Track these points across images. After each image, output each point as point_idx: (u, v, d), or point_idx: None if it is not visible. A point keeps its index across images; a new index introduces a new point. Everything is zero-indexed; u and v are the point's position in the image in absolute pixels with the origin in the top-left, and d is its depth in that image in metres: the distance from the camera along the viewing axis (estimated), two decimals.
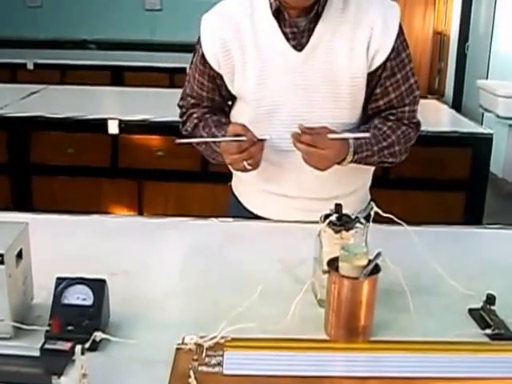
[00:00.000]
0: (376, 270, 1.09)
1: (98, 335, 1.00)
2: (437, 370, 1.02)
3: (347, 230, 1.18)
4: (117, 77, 5.22)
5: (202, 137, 1.66)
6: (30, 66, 5.34)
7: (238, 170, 1.55)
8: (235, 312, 1.09)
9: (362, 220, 1.20)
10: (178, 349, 1.02)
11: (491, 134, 3.13)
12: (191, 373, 0.96)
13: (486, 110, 5.25)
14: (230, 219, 1.70)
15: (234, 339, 1.05)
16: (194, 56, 1.68)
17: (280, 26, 1.54)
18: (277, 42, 1.55)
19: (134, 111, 3.28)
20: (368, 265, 1.09)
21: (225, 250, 1.49)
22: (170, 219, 1.69)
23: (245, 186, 1.78)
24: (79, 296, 1.05)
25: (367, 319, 1.10)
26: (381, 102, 1.60)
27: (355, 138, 1.54)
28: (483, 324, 1.16)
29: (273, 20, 1.54)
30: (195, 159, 3.09)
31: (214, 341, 1.03)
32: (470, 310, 1.21)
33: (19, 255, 1.08)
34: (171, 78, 5.28)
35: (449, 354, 1.07)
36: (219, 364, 0.99)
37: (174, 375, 0.96)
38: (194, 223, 1.67)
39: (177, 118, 3.13)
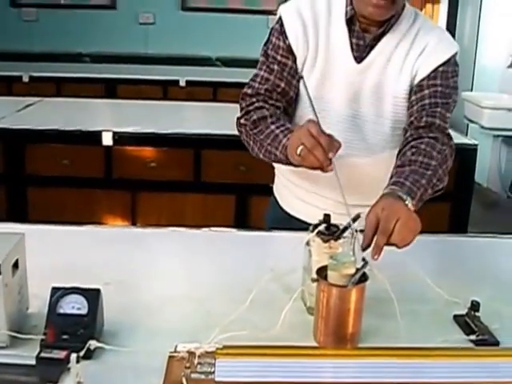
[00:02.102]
0: (364, 278, 1.12)
1: (93, 344, 1.03)
2: (423, 376, 1.05)
3: (336, 239, 1.22)
4: (111, 89, 5.25)
5: (267, 127, 1.57)
6: (26, 79, 5.36)
7: (308, 162, 1.37)
8: (227, 320, 1.12)
9: (350, 229, 1.23)
10: (170, 357, 1.04)
11: (476, 145, 3.20)
12: (184, 380, 0.98)
13: (471, 121, 5.36)
14: (222, 229, 1.72)
15: (225, 347, 1.07)
16: (266, 44, 1.67)
17: (349, 35, 1.61)
18: (343, 49, 1.61)
19: (127, 123, 3.31)
20: (356, 273, 1.12)
21: (217, 259, 1.51)
22: (162, 229, 1.72)
23: (284, 187, 1.82)
24: (74, 305, 1.07)
25: (355, 326, 1.13)
26: (415, 107, 1.60)
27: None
28: (468, 330, 1.19)
29: (345, 28, 1.61)
30: (187, 170, 3.14)
31: (206, 349, 1.06)
32: (455, 317, 1.24)
33: (15, 265, 1.10)
34: (164, 90, 5.32)
35: (434, 359, 1.09)
36: (211, 372, 1.01)
37: (166, 383, 0.98)
38: (186, 233, 1.70)
39: (169, 130, 3.18)
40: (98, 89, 5.21)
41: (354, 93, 1.63)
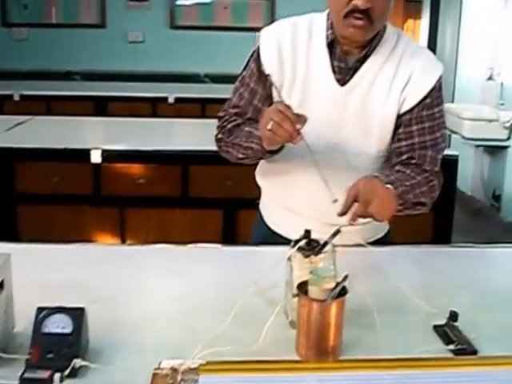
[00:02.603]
0: (343, 292, 1.15)
1: (78, 362, 1.05)
2: None
3: (316, 254, 1.24)
4: (101, 107, 5.28)
5: (242, 130, 1.67)
6: (17, 98, 5.39)
7: (278, 135, 1.46)
8: (210, 336, 1.14)
9: (330, 244, 1.26)
10: (154, 374, 1.06)
11: (457, 156, 3.27)
12: None
13: (453, 131, 5.45)
14: (208, 245, 1.74)
15: (208, 363, 1.09)
16: (245, 68, 1.72)
17: (331, 58, 1.63)
18: (324, 72, 1.64)
19: (116, 140, 3.35)
20: (335, 287, 1.14)
21: (202, 275, 1.53)
22: (148, 246, 1.74)
23: (268, 203, 1.85)
24: (59, 324, 1.09)
25: (336, 339, 1.15)
26: (403, 143, 1.65)
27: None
28: (447, 340, 1.21)
29: (326, 51, 1.63)
30: (175, 185, 3.17)
31: (190, 365, 1.07)
32: (435, 327, 1.26)
33: (1, 286, 1.12)
34: (153, 107, 5.36)
35: (414, 370, 1.11)
36: None
37: None
38: (172, 249, 1.72)
39: (157, 147, 3.21)
40: (88, 106, 5.24)
41: (338, 115, 1.65)
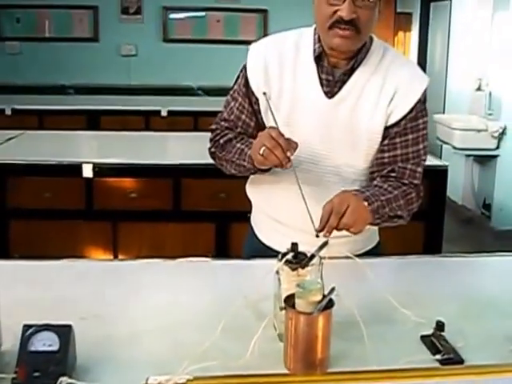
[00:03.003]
0: (330, 304, 1.15)
1: (64, 380, 1.04)
2: None
3: (303, 267, 1.25)
4: (93, 121, 5.30)
5: (234, 146, 1.72)
6: (9, 112, 5.40)
7: (269, 161, 1.52)
8: (198, 350, 1.14)
9: (317, 257, 1.27)
10: None
11: (446, 166, 3.32)
12: None
13: (444, 142, 5.51)
14: (198, 258, 1.75)
15: (196, 378, 1.09)
16: (235, 82, 1.76)
17: (318, 71, 1.65)
18: (312, 85, 1.66)
19: (108, 155, 3.36)
20: (322, 300, 1.15)
21: (193, 289, 1.53)
22: (139, 261, 1.74)
23: (258, 217, 1.87)
24: (45, 342, 1.09)
25: (324, 352, 1.16)
26: (386, 154, 1.67)
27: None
28: (434, 350, 1.22)
29: (313, 64, 1.65)
30: (167, 199, 3.18)
31: (177, 380, 1.08)
32: (422, 337, 1.27)
33: None
34: (146, 120, 5.38)
35: (401, 380, 1.12)
36: None
37: None
38: (162, 264, 1.72)
39: (149, 161, 3.22)
40: (81, 120, 5.26)
41: (326, 128, 1.66)
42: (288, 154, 1.50)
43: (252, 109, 1.71)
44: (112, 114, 5.32)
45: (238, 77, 1.75)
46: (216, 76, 6.27)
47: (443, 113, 6.24)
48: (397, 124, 1.65)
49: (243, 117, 1.73)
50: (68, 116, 5.26)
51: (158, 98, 6.00)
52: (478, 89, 5.53)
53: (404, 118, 1.65)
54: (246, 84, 1.70)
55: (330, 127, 1.66)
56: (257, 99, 1.69)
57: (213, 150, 1.80)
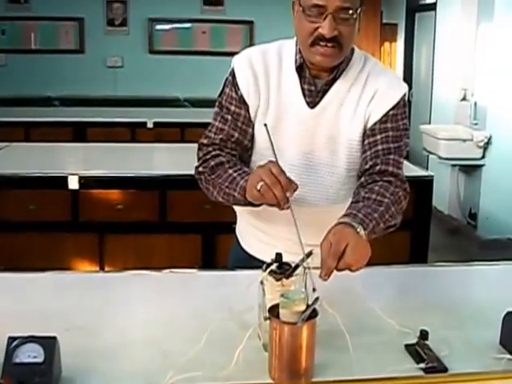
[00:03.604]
0: (314, 314, 1.16)
1: None
2: None
3: (287, 277, 1.26)
4: (80, 132, 5.29)
5: (225, 172, 1.63)
6: None
7: (266, 198, 1.43)
8: (183, 360, 1.15)
9: (302, 267, 1.28)
10: None
11: (432, 176, 3.35)
12: None
13: (430, 152, 5.55)
14: (184, 270, 1.75)
15: None
16: (222, 94, 1.72)
17: (300, 82, 1.66)
18: (295, 95, 1.67)
19: (94, 166, 3.37)
20: (306, 310, 1.16)
21: (178, 301, 1.53)
22: (124, 273, 1.74)
23: (243, 227, 1.86)
24: (30, 354, 1.09)
25: (308, 361, 1.16)
26: (368, 152, 1.67)
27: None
28: (418, 358, 1.23)
29: (295, 75, 1.66)
30: (153, 211, 3.17)
31: None
32: (406, 346, 1.28)
33: None
34: (133, 132, 5.38)
35: None
36: None
37: None
38: (148, 275, 1.72)
39: (134, 173, 3.22)
40: (68, 132, 5.25)
41: (309, 137, 1.68)
42: (287, 194, 1.40)
43: (248, 115, 1.70)
44: (98, 126, 5.32)
45: (224, 89, 1.74)
46: (202, 87, 6.29)
47: (429, 123, 6.29)
48: (375, 124, 1.66)
49: (239, 123, 1.70)
50: (54, 128, 5.24)
51: (145, 109, 6.01)
52: (463, 99, 5.58)
53: (383, 117, 1.65)
54: (236, 93, 1.69)
55: (313, 136, 1.68)
56: (248, 106, 1.69)
57: (201, 169, 1.72)
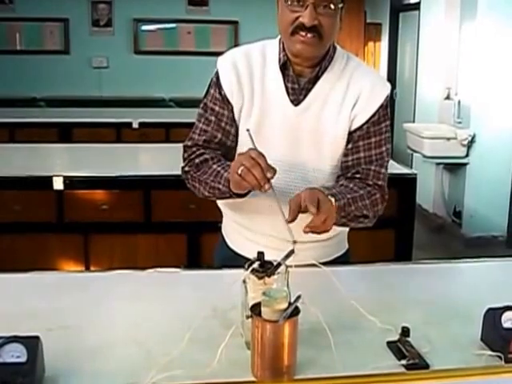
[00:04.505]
0: (296, 312, 1.17)
1: None
2: None
3: (269, 275, 1.26)
4: (66, 133, 5.27)
5: (210, 167, 1.68)
6: None
7: (247, 181, 1.46)
8: (165, 360, 1.15)
9: (284, 265, 1.28)
10: None
11: (415, 174, 3.39)
12: None
13: (414, 151, 5.59)
14: (168, 269, 1.75)
15: None
16: (207, 95, 1.75)
17: (284, 80, 1.68)
18: (279, 94, 1.69)
19: (79, 167, 3.37)
20: (288, 308, 1.16)
21: (161, 300, 1.54)
22: (108, 273, 1.74)
23: (229, 226, 1.87)
24: (13, 354, 1.09)
25: (290, 359, 1.17)
26: (349, 158, 1.72)
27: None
28: (400, 355, 1.24)
29: (279, 73, 1.69)
30: (138, 211, 3.17)
31: None
32: (388, 343, 1.29)
33: None
34: (118, 132, 5.37)
35: None
36: None
37: None
38: (132, 275, 1.72)
39: (119, 173, 3.21)
40: (53, 133, 5.23)
41: (294, 134, 1.70)
42: (268, 174, 1.43)
43: (231, 116, 1.72)
44: (83, 127, 5.30)
45: (208, 90, 1.76)
46: (187, 87, 6.29)
47: (413, 122, 6.33)
48: (360, 128, 1.70)
49: (222, 124, 1.73)
50: (39, 129, 5.21)
51: (130, 109, 6.00)
52: (447, 97, 5.62)
53: (367, 122, 1.69)
54: (220, 93, 1.71)
55: (297, 133, 1.70)
56: (232, 106, 1.71)
57: (187, 168, 1.76)
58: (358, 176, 1.71)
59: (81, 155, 3.91)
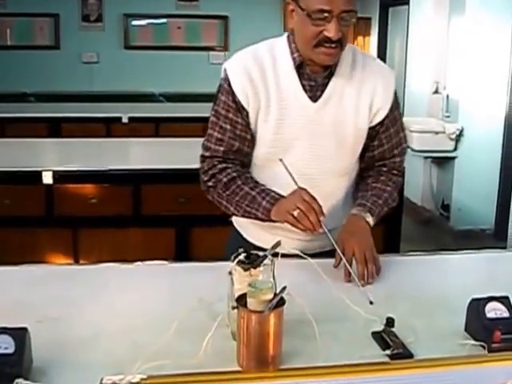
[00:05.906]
0: (281, 302, 1.18)
1: (20, 382, 1.05)
2: None
3: (255, 267, 1.28)
4: (55, 128, 5.26)
5: (241, 189, 1.72)
6: None
7: (303, 224, 1.59)
8: (152, 350, 1.16)
9: (269, 257, 1.30)
10: None
11: (404, 168, 3.34)
12: None
13: None
14: (156, 262, 1.76)
15: (150, 377, 1.10)
16: (217, 102, 1.75)
17: (300, 78, 1.71)
18: (296, 92, 1.71)
19: (68, 161, 3.37)
20: (273, 299, 1.18)
21: (149, 292, 1.55)
22: (97, 266, 1.75)
23: (249, 222, 1.84)
24: (1, 345, 1.10)
25: (276, 349, 1.18)
26: (376, 153, 1.84)
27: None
28: (384, 345, 1.26)
29: (294, 73, 1.71)
30: (127, 204, 3.18)
31: (131, 379, 1.09)
32: (373, 333, 1.31)
33: None
34: (107, 127, 5.36)
35: (351, 375, 1.15)
36: None
37: None
38: (120, 268, 1.73)
39: (108, 167, 3.21)
40: (43, 128, 5.21)
41: (315, 129, 1.73)
42: (321, 218, 1.57)
43: (246, 123, 1.72)
44: (73, 122, 5.29)
45: (218, 96, 1.75)
46: (177, 82, 6.30)
47: (402, 115, 6.34)
48: (381, 122, 1.78)
49: (237, 131, 1.73)
50: (29, 124, 5.20)
51: (120, 104, 5.99)
52: (436, 92, 5.64)
53: (387, 116, 1.78)
54: (234, 100, 1.71)
55: (318, 129, 1.73)
56: (247, 112, 1.71)
57: (211, 184, 1.76)
58: (384, 169, 1.85)
59: (70, 150, 3.92)
